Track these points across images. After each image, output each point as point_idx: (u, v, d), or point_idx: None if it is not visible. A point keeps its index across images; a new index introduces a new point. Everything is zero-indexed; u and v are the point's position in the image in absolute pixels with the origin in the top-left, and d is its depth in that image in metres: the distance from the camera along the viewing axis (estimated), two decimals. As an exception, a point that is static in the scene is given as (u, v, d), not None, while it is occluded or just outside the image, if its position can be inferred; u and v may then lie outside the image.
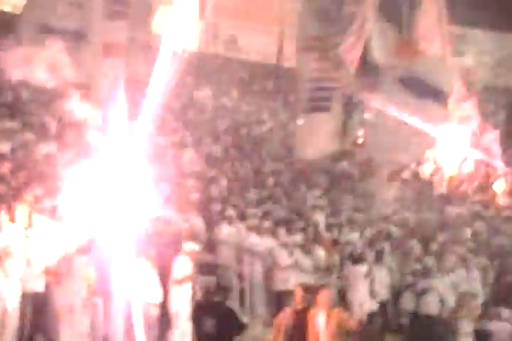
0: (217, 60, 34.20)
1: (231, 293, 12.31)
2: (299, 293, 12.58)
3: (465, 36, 39.64)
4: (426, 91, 22.61)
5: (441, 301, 19.95)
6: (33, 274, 12.77)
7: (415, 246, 22.85)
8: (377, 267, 19.89)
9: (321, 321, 11.74)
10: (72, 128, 19.47)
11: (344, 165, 29.00)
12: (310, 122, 21.35)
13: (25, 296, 12.60)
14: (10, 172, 15.70)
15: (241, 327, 11.25)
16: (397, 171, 24.27)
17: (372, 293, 19.42)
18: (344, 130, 25.13)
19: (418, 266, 21.13)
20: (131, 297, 12.86)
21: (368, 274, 19.35)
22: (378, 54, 23.21)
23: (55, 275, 12.90)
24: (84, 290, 12.78)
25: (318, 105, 20.93)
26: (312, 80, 21.80)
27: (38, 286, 12.87)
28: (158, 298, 14.18)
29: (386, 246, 21.84)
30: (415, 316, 19.85)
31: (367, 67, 24.18)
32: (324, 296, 12.39)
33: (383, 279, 19.86)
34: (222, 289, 11.89)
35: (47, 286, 13.00)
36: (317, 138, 19.81)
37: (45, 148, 18.40)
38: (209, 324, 10.96)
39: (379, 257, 20.42)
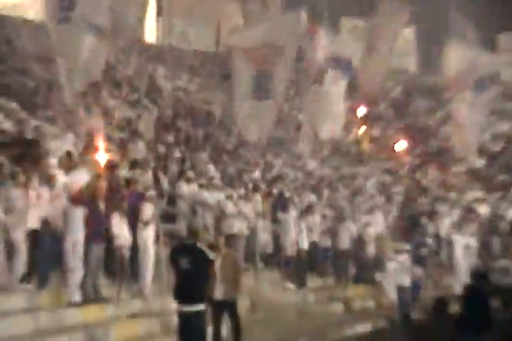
0: (172, 50, 34.17)
1: (200, 237, 12.37)
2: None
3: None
4: None
5: (353, 239, 20.55)
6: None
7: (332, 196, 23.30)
8: (309, 215, 20.11)
9: (217, 263, 11.78)
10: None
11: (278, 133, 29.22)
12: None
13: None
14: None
15: (210, 262, 11.42)
16: None
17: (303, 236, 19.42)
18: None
19: (335, 212, 21.51)
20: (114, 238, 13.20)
21: (297, 220, 19.59)
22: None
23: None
24: (81, 232, 12.90)
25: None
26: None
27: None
28: (129, 240, 14.34)
29: (313, 198, 22.24)
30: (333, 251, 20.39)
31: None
32: (219, 241, 12.98)
33: (316, 225, 20.08)
34: (194, 234, 11.91)
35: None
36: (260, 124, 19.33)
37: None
38: (184, 262, 11.07)
39: (309, 206, 20.68)
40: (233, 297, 12.61)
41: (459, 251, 21.36)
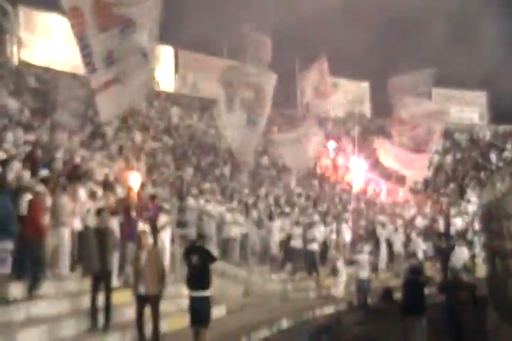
0: (185, 97, 34.45)
1: (206, 240, 12.43)
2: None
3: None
4: None
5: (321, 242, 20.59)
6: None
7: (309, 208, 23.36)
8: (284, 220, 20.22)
9: (143, 258, 10.78)
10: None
11: (265, 160, 29.36)
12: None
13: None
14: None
15: (214, 259, 11.53)
16: None
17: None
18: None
19: (307, 220, 21.47)
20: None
21: (279, 226, 19.75)
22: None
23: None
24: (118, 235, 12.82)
25: None
26: None
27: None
28: (151, 241, 14.33)
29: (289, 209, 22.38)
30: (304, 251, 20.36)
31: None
32: (144, 239, 11.22)
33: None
34: (202, 237, 12.01)
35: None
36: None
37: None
38: (194, 259, 11.19)
39: (284, 214, 20.80)
40: (155, 293, 10.71)
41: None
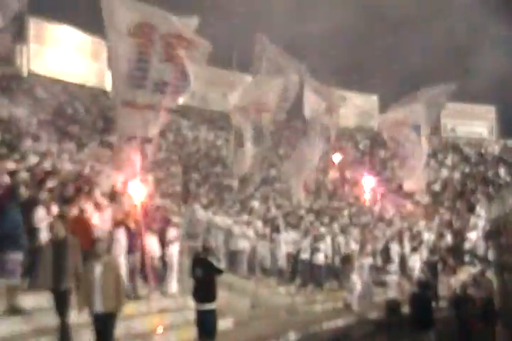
0: (194, 110, 34.63)
1: (211, 252, 12.40)
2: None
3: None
4: None
5: (327, 256, 20.39)
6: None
7: (314, 222, 23.24)
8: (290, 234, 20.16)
9: (98, 270, 9.39)
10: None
11: (273, 172, 29.37)
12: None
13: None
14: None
15: (219, 272, 11.54)
16: None
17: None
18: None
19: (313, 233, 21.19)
20: (147, 252, 13.16)
21: (287, 239, 19.69)
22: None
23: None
24: (123, 247, 12.89)
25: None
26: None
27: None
28: (159, 253, 14.43)
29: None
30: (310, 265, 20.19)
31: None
32: (100, 247, 9.74)
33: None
34: (206, 249, 12.04)
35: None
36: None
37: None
38: (198, 271, 11.23)
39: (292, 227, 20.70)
40: (113, 310, 9.37)
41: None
